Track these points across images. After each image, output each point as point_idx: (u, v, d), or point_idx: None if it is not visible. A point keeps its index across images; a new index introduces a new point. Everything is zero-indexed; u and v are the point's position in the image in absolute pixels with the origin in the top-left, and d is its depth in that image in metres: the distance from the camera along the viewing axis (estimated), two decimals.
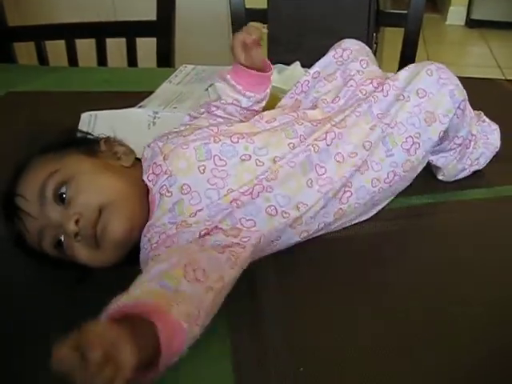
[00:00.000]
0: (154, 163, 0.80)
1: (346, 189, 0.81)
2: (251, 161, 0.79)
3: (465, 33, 4.57)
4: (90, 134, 0.91)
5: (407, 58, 1.63)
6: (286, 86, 1.19)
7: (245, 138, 0.80)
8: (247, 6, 1.68)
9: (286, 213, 0.77)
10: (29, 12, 2.57)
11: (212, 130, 0.83)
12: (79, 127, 1.15)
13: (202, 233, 0.74)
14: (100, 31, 1.76)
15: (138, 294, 0.57)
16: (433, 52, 3.99)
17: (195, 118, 0.94)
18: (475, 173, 0.95)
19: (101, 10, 2.57)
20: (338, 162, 0.80)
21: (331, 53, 0.97)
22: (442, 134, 0.83)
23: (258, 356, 0.65)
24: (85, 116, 1.19)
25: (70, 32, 1.76)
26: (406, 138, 0.82)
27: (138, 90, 1.32)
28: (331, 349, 0.66)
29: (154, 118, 1.15)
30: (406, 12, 1.59)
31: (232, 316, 0.70)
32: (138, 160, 0.85)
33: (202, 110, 0.94)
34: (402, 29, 1.61)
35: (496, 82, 1.36)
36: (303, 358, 0.65)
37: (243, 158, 0.79)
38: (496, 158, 0.95)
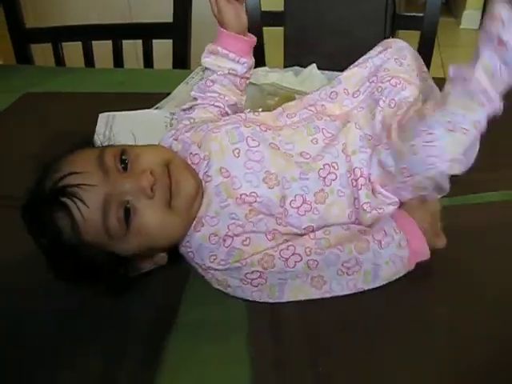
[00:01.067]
0: (190, 153, 0.80)
1: None
2: (280, 151, 0.80)
3: (479, 37, 4.55)
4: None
5: (423, 60, 1.63)
6: (303, 88, 1.21)
7: (271, 129, 0.82)
8: (263, 9, 1.69)
9: None
10: (45, 14, 2.59)
11: (240, 117, 0.85)
12: (97, 127, 1.17)
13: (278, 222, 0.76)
14: (116, 33, 1.77)
15: None
16: (447, 55, 3.97)
17: (190, 109, 0.95)
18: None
19: (116, 12, 2.58)
20: None
21: (377, 47, 0.96)
22: None
23: None
24: (103, 116, 1.21)
25: (87, 34, 1.77)
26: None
27: (155, 91, 1.34)
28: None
29: (172, 119, 1.16)
30: (422, 15, 1.59)
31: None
32: None
33: (195, 95, 0.97)
34: (417, 32, 1.61)
35: None
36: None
37: (272, 146, 0.80)
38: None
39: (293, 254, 0.72)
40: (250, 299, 0.73)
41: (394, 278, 0.74)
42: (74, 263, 0.70)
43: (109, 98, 1.36)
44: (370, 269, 0.72)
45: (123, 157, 0.72)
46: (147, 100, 1.25)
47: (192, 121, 0.91)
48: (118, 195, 0.69)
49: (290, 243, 0.73)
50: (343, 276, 0.71)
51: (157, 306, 0.75)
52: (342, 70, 1.21)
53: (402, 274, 0.74)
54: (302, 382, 0.63)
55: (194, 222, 0.75)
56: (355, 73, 0.93)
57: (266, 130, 0.81)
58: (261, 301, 0.73)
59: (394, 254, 0.72)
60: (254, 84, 1.30)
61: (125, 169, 0.72)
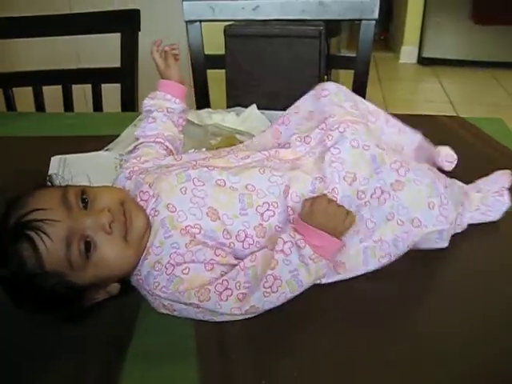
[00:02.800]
0: (141, 191, 0.87)
1: None
2: (226, 186, 0.87)
3: (417, 70, 4.73)
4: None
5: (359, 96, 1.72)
6: (244, 128, 1.28)
7: (219, 168, 0.89)
8: (206, 53, 1.77)
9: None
10: None
11: (190, 163, 0.92)
12: (50, 170, 1.21)
13: (217, 250, 0.82)
14: (66, 77, 1.81)
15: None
16: (387, 89, 4.13)
17: (134, 149, 1.04)
18: None
19: (65, 57, 2.62)
20: None
21: (312, 92, 1.03)
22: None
23: None
24: (54, 159, 1.24)
25: (38, 79, 1.81)
26: (385, 254, 0.87)
27: (104, 133, 1.38)
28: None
29: (121, 160, 1.20)
30: (354, 55, 1.68)
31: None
32: None
33: (137, 135, 1.07)
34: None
35: (437, 118, 1.47)
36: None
37: (218, 182, 0.87)
38: None
39: (226, 289, 0.78)
40: (196, 319, 0.80)
41: (322, 274, 0.81)
42: (33, 293, 0.75)
43: (62, 140, 1.40)
44: (289, 278, 0.77)
45: (84, 196, 0.80)
46: (97, 142, 1.29)
47: (139, 159, 0.98)
48: (79, 230, 0.76)
49: (224, 278, 0.79)
50: (271, 295, 0.77)
51: (111, 333, 0.81)
52: (281, 109, 1.30)
53: (326, 267, 0.80)
54: None
55: (144, 252, 0.82)
56: (306, 128, 1.00)
57: (213, 169, 0.88)
58: (205, 319, 0.79)
59: (300, 255, 0.77)
60: (198, 125, 1.36)
61: (85, 207, 0.79)
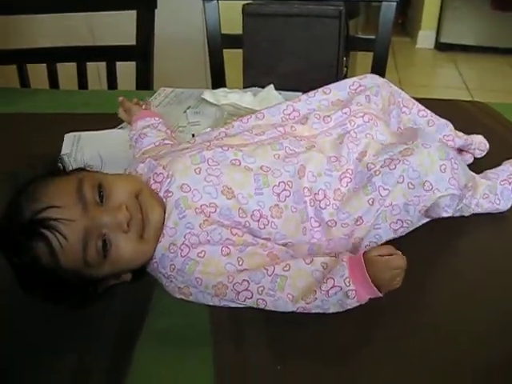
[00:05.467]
0: (155, 173, 0.84)
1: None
2: (241, 166, 0.85)
3: (434, 56, 4.69)
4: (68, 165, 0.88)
5: None
6: (261, 108, 1.25)
7: (234, 147, 0.87)
8: (223, 32, 1.75)
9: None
10: (7, 36, 2.60)
11: (204, 144, 0.90)
12: (63, 147, 1.20)
13: (232, 230, 0.80)
14: (81, 55, 1.80)
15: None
16: (404, 75, 4.09)
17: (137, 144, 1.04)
18: None
19: (79, 35, 2.61)
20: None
21: (349, 81, 1.02)
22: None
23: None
24: (68, 136, 1.24)
25: (52, 55, 1.80)
26: (397, 220, 0.85)
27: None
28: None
29: None
30: (374, 37, 1.67)
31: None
32: None
33: (135, 154, 1.04)
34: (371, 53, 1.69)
35: (458, 102, 1.44)
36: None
37: (233, 162, 0.85)
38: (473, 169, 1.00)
39: (245, 290, 0.75)
40: (211, 304, 0.78)
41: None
42: (46, 284, 0.74)
43: (75, 118, 1.39)
44: (318, 309, 0.74)
45: (100, 190, 0.77)
46: (111, 120, 1.28)
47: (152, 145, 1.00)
48: (96, 228, 0.74)
49: (244, 277, 0.75)
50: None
51: (124, 315, 0.79)
52: (298, 90, 1.27)
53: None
54: (264, 381, 0.68)
55: None
56: (327, 107, 0.99)
57: (227, 149, 0.87)
58: (221, 305, 0.77)
59: (341, 300, 0.72)
60: (214, 104, 1.35)
61: (101, 201, 0.77)
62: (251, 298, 0.75)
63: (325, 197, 0.86)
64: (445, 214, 0.88)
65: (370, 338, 0.75)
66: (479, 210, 0.95)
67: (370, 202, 0.84)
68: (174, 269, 0.78)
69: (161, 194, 0.83)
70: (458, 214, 0.92)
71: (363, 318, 0.76)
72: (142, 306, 0.80)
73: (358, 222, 0.84)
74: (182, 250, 0.78)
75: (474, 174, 0.96)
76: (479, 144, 1.12)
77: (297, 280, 0.74)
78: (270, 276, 0.74)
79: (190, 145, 0.92)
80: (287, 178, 0.85)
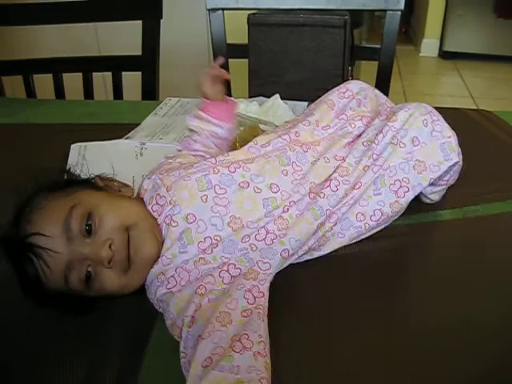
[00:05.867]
0: (158, 194, 0.83)
1: (331, 220, 0.87)
2: (250, 188, 0.84)
3: (438, 64, 4.69)
4: (77, 176, 0.90)
5: (382, 89, 1.70)
6: (266, 118, 1.26)
7: (241, 166, 0.86)
8: (228, 42, 1.75)
9: (296, 253, 0.85)
10: (13, 46, 2.62)
11: (211, 162, 0.88)
12: (69, 157, 1.20)
13: (222, 272, 0.78)
14: (87, 65, 1.81)
15: None
16: (408, 83, 4.09)
17: (173, 157, 0.97)
18: (445, 195, 1.01)
19: (85, 45, 2.63)
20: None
21: (336, 88, 1.04)
22: (431, 180, 0.90)
23: None
24: (75, 147, 1.24)
25: (58, 66, 1.81)
26: (395, 181, 0.88)
27: (125, 122, 1.38)
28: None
29: (142, 148, 1.20)
30: (379, 46, 1.67)
31: None
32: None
33: (179, 148, 1.02)
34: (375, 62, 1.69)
35: (461, 110, 1.44)
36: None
37: (241, 185, 0.84)
38: (464, 182, 1.02)
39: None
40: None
41: None
42: (39, 294, 0.76)
43: (82, 128, 1.40)
44: None
45: (88, 222, 0.75)
46: (117, 130, 1.28)
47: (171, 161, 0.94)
48: (79, 262, 0.74)
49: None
50: None
51: (131, 326, 0.79)
52: (304, 99, 1.28)
53: None
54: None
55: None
56: (325, 110, 1.00)
57: (234, 171, 0.85)
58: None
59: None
60: None
61: (89, 232, 0.76)
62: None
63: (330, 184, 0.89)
64: (448, 160, 0.90)
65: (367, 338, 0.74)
66: None
67: (365, 168, 0.89)
68: (155, 296, 0.78)
69: (161, 218, 0.81)
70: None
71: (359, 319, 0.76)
72: (149, 316, 0.80)
73: (357, 186, 0.88)
74: (168, 283, 0.77)
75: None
76: None
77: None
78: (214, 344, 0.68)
79: (198, 165, 0.89)
80: (297, 198, 0.85)
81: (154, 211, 0.83)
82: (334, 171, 0.89)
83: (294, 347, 0.73)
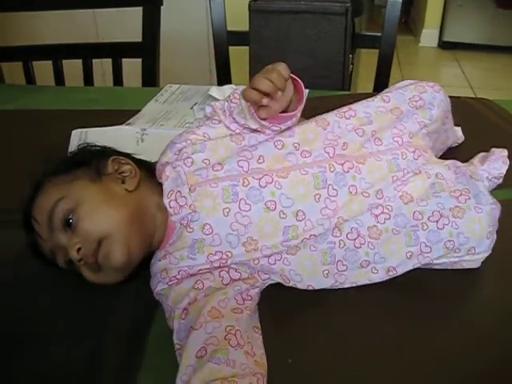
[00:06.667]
0: (179, 192, 0.80)
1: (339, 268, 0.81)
2: (275, 212, 0.78)
3: (437, 54, 4.69)
4: (92, 147, 0.91)
5: (382, 78, 1.71)
6: None
7: (273, 181, 0.79)
8: (229, 29, 1.75)
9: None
10: (12, 33, 2.61)
11: (242, 168, 0.80)
12: (70, 143, 1.20)
13: (222, 272, 0.78)
14: (87, 52, 1.80)
15: (201, 379, 0.62)
16: (407, 73, 4.09)
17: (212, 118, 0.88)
18: None
19: (84, 32, 2.62)
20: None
21: (408, 94, 0.93)
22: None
23: None
24: (75, 133, 1.24)
25: (58, 52, 1.80)
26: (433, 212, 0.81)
27: (126, 108, 1.37)
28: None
29: (142, 134, 1.19)
30: (379, 35, 1.67)
31: None
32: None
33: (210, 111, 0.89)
34: (377, 50, 1.69)
35: (463, 99, 1.43)
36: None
37: (268, 205, 0.78)
38: None
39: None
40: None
41: None
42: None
43: (82, 114, 1.39)
44: None
45: (69, 217, 0.77)
46: (118, 117, 1.28)
47: (207, 136, 0.86)
48: (61, 249, 0.78)
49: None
50: None
51: (136, 303, 0.80)
52: (305, 87, 1.27)
53: None
54: (274, 375, 0.67)
55: (163, 251, 0.80)
56: (387, 120, 0.89)
57: (265, 186, 0.79)
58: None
59: None
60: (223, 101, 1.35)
61: (69, 225, 0.77)
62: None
63: (358, 235, 0.80)
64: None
65: (382, 332, 0.74)
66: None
67: (409, 255, 0.80)
68: (155, 288, 0.79)
69: (177, 217, 0.79)
70: None
71: (373, 309, 0.76)
72: (150, 305, 0.80)
73: (390, 273, 0.81)
74: (170, 281, 0.77)
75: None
76: (458, 138, 1.14)
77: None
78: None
79: (227, 151, 0.83)
80: (319, 232, 0.78)
81: (170, 207, 0.80)
82: (359, 226, 0.80)
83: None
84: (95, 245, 0.76)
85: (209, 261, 0.77)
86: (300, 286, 0.80)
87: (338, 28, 1.56)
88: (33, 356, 0.72)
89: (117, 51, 1.78)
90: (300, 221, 0.78)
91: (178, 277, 0.77)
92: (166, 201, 0.81)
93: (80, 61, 1.80)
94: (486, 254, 0.82)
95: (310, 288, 0.80)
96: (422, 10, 4.79)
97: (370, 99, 0.92)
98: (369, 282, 0.81)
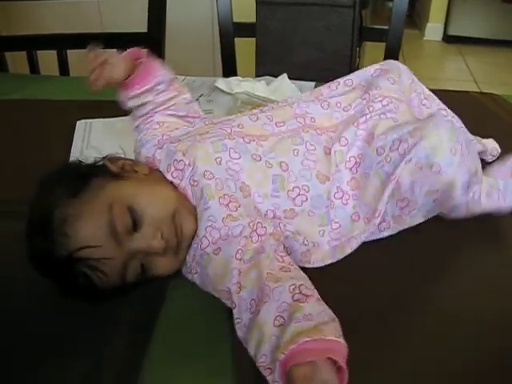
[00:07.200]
0: (175, 160, 0.83)
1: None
2: (261, 162, 0.84)
3: (442, 48, 4.67)
4: (81, 162, 0.85)
5: None
6: (274, 97, 1.25)
7: (255, 140, 0.86)
8: (235, 20, 1.74)
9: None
10: (16, 22, 2.60)
11: (225, 130, 0.87)
12: (75, 134, 1.20)
13: (251, 231, 0.76)
14: (92, 42, 1.78)
15: (288, 339, 0.61)
16: (411, 66, 4.02)
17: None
18: None
19: (88, 21, 2.60)
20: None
21: (370, 69, 1.00)
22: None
23: None
24: (80, 124, 1.24)
25: (62, 42, 1.79)
26: (403, 198, 0.82)
27: None
28: None
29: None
30: (387, 28, 1.65)
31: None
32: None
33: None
34: (383, 44, 1.68)
35: (470, 94, 1.43)
36: None
37: (254, 157, 0.84)
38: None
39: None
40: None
41: None
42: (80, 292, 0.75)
43: (86, 105, 1.38)
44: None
45: (132, 217, 0.74)
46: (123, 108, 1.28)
47: (161, 124, 0.93)
48: (133, 258, 0.75)
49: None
50: None
51: (136, 315, 0.78)
52: (312, 79, 1.26)
53: None
54: None
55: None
56: (348, 91, 0.97)
57: (249, 142, 0.85)
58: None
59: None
60: (228, 93, 1.34)
61: (135, 228, 0.75)
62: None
63: (342, 192, 0.86)
64: (461, 200, 0.81)
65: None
66: (484, 210, 0.87)
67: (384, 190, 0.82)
68: (194, 259, 0.78)
69: (184, 182, 0.81)
70: (463, 215, 0.86)
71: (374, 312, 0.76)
72: (158, 294, 0.79)
73: (376, 214, 0.82)
74: (202, 243, 0.77)
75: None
76: (492, 149, 1.08)
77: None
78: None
79: (207, 127, 0.90)
80: (302, 183, 0.84)
81: (174, 178, 0.82)
82: (341, 183, 0.86)
83: None
84: (173, 223, 0.77)
85: (222, 204, 0.78)
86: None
87: (346, 20, 1.55)
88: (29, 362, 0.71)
89: (122, 41, 1.76)
90: (285, 171, 0.84)
91: (208, 236, 0.77)
92: (168, 176, 0.83)
93: (85, 51, 1.78)
94: (459, 178, 0.78)
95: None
96: (426, 3, 4.76)
97: (334, 86, 0.99)
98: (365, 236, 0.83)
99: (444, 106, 1.02)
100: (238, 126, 0.90)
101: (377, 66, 1.00)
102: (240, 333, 0.68)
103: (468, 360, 0.68)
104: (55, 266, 0.72)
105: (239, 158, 0.83)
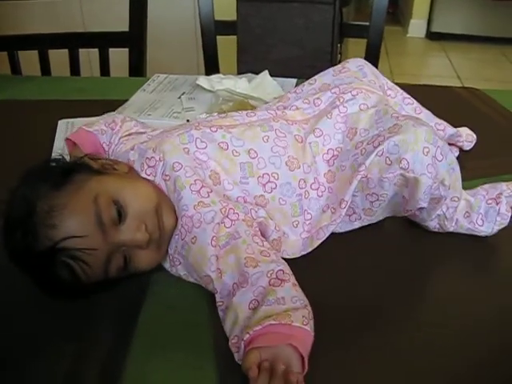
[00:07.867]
0: (147, 158, 0.83)
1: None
2: (228, 150, 0.84)
3: (425, 45, 4.69)
4: (63, 157, 0.85)
5: None
6: (256, 94, 1.25)
7: (223, 128, 0.87)
8: (216, 18, 1.74)
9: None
10: None
11: (194, 125, 0.89)
12: (57, 134, 1.19)
13: (223, 217, 0.76)
14: (73, 42, 1.78)
15: (256, 320, 0.63)
16: (395, 63, 4.09)
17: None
18: None
19: (70, 21, 2.60)
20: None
21: (332, 68, 1.02)
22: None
23: None
24: (62, 123, 1.23)
25: (44, 42, 1.78)
26: (372, 193, 0.80)
27: (113, 98, 1.36)
28: None
29: None
30: (367, 24, 1.66)
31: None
32: None
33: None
34: (365, 40, 1.69)
35: (452, 88, 1.44)
36: None
37: (221, 145, 0.84)
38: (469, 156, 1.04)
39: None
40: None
41: None
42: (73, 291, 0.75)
43: (69, 104, 1.38)
44: None
45: (117, 208, 0.74)
46: (105, 106, 1.26)
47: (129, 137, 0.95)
48: (117, 250, 0.74)
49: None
50: None
51: (120, 305, 0.78)
52: (293, 76, 1.27)
53: None
54: None
55: None
56: (314, 88, 0.99)
57: (216, 131, 0.86)
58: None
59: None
60: (209, 90, 1.35)
61: (119, 219, 0.74)
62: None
63: (319, 184, 0.86)
64: (422, 204, 0.79)
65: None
66: (458, 230, 0.86)
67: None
68: (175, 250, 0.79)
69: (158, 178, 0.82)
70: (436, 228, 0.86)
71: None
72: (141, 285, 0.80)
73: (343, 205, 0.81)
74: (181, 233, 0.78)
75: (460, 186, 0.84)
76: (467, 136, 1.09)
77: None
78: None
79: (181, 127, 0.91)
80: (272, 170, 0.84)
81: (148, 175, 0.82)
82: (318, 174, 0.87)
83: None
84: (157, 216, 0.77)
85: (193, 191, 0.78)
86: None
87: (327, 18, 1.55)
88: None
89: (104, 41, 1.76)
90: (253, 158, 0.84)
91: (184, 225, 0.77)
92: (143, 174, 0.83)
93: (66, 51, 1.78)
94: (426, 180, 0.75)
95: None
96: (409, 0, 4.79)
97: (299, 89, 1.01)
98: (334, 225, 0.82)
99: (408, 96, 1.03)
100: (209, 120, 0.92)
101: (339, 65, 1.02)
102: (221, 314, 0.70)
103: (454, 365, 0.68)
104: (37, 258, 0.70)
105: (205, 147, 0.84)
